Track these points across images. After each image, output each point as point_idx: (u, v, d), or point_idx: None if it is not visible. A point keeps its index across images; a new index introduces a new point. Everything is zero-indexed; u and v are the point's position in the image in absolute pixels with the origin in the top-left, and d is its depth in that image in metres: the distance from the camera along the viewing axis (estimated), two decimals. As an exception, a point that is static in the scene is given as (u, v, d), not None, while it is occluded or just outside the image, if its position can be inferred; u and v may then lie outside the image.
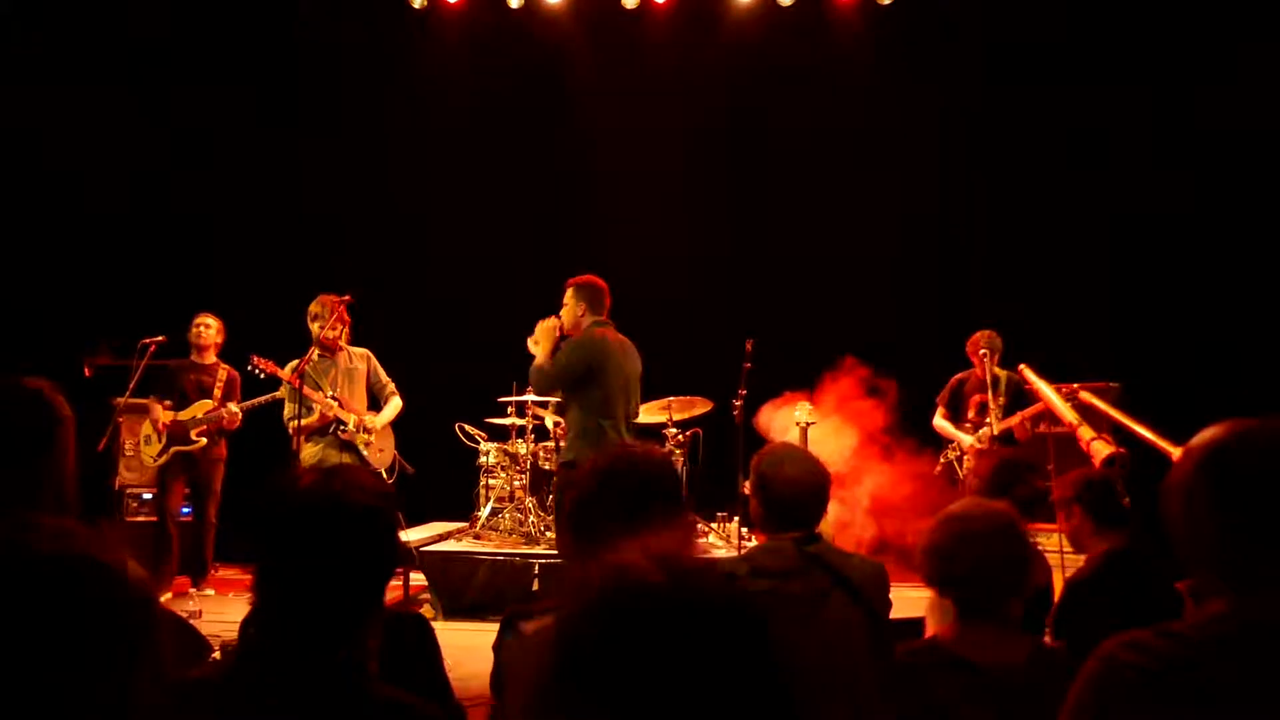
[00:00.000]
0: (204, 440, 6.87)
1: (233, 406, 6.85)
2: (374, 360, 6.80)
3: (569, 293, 5.76)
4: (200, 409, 6.88)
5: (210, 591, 6.87)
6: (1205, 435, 1.50)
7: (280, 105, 9.04)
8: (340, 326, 6.53)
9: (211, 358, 7.02)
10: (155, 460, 6.90)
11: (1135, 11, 8.25)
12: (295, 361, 6.44)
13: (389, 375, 6.88)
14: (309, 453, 6.43)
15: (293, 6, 8.99)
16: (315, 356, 6.51)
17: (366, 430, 6.57)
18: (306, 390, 6.31)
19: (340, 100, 9.20)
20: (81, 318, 7.95)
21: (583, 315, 5.66)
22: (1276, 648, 1.36)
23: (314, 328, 6.51)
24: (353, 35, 9.12)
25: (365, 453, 6.56)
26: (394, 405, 6.81)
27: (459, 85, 9.26)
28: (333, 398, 6.47)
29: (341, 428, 6.48)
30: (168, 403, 6.86)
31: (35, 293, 8.32)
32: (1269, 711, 1.33)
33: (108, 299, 8.25)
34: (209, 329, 7.01)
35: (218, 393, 6.92)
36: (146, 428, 6.94)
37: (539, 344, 5.61)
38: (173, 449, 6.85)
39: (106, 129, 8.43)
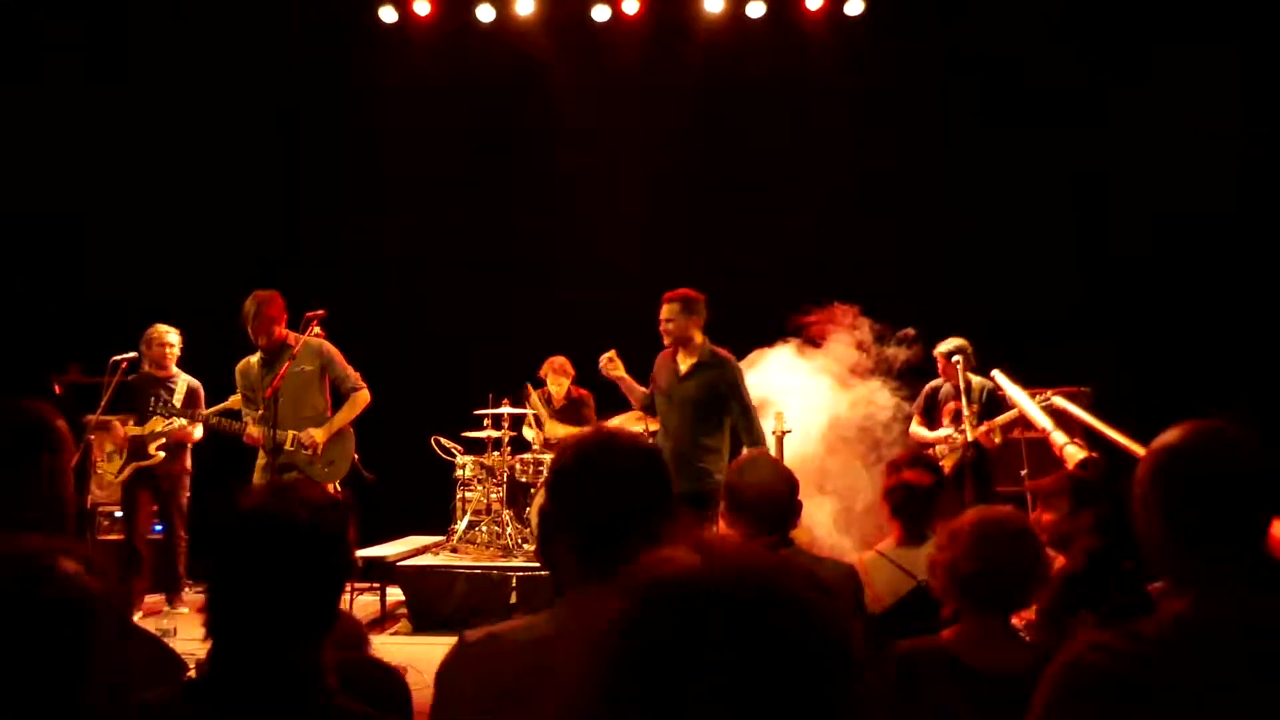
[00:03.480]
0: (162, 455, 6.74)
1: (180, 421, 6.56)
2: (329, 353, 5.98)
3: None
4: (159, 422, 6.70)
5: (184, 609, 6.79)
6: (1162, 438, 1.52)
7: (258, 118, 9.02)
8: (273, 326, 5.83)
9: (172, 370, 6.89)
10: (116, 477, 6.79)
11: (1105, 11, 8.33)
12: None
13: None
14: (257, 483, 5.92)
15: (270, 24, 8.96)
16: (259, 362, 5.95)
17: (305, 446, 5.86)
18: (226, 424, 6.07)
19: (317, 115, 9.19)
20: (48, 334, 7.90)
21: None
22: (1232, 646, 1.37)
23: (250, 332, 5.86)
24: (322, 51, 9.10)
25: (310, 470, 5.84)
26: (352, 403, 6.00)
27: (431, 100, 9.26)
28: (260, 419, 5.80)
29: (280, 453, 5.80)
30: (132, 418, 6.72)
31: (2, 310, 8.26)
32: (1226, 708, 1.34)
33: (70, 314, 8.18)
34: (174, 347, 6.86)
35: (179, 404, 6.74)
36: (108, 445, 6.86)
37: None
38: (132, 465, 6.73)
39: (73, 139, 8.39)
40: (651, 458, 1.79)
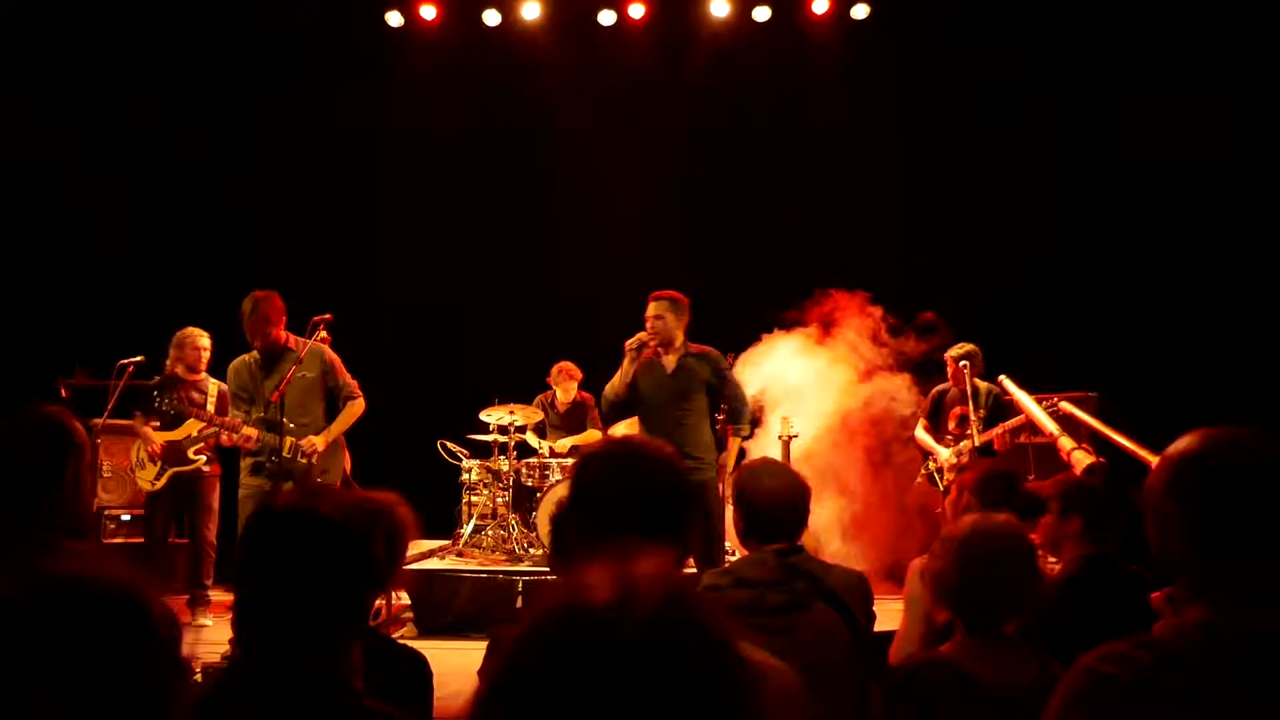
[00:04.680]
0: (202, 459, 6.50)
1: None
2: (331, 361, 5.84)
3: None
4: (194, 426, 6.43)
5: (208, 621, 6.43)
6: (1178, 444, 1.51)
7: (261, 122, 9.04)
8: (269, 327, 5.63)
9: (203, 373, 6.63)
10: (153, 484, 6.46)
11: (1104, 12, 8.33)
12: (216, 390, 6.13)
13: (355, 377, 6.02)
14: (246, 483, 5.71)
15: (273, 26, 8.98)
16: (255, 363, 5.76)
17: (305, 455, 5.64)
18: (219, 419, 5.93)
19: (319, 115, 9.20)
20: (55, 339, 7.91)
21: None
22: (1250, 656, 1.36)
23: (246, 332, 5.70)
24: (328, 52, 9.12)
25: (304, 480, 5.62)
26: (348, 411, 5.86)
27: (436, 103, 9.28)
28: (260, 421, 5.67)
29: (274, 458, 5.59)
30: (155, 422, 6.46)
31: (8, 313, 8.27)
32: (1244, 719, 1.33)
33: (80, 319, 8.19)
34: (207, 350, 6.62)
35: (211, 408, 6.49)
36: (138, 451, 6.53)
37: None
38: (170, 471, 6.46)
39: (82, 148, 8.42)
40: (675, 470, 1.79)
